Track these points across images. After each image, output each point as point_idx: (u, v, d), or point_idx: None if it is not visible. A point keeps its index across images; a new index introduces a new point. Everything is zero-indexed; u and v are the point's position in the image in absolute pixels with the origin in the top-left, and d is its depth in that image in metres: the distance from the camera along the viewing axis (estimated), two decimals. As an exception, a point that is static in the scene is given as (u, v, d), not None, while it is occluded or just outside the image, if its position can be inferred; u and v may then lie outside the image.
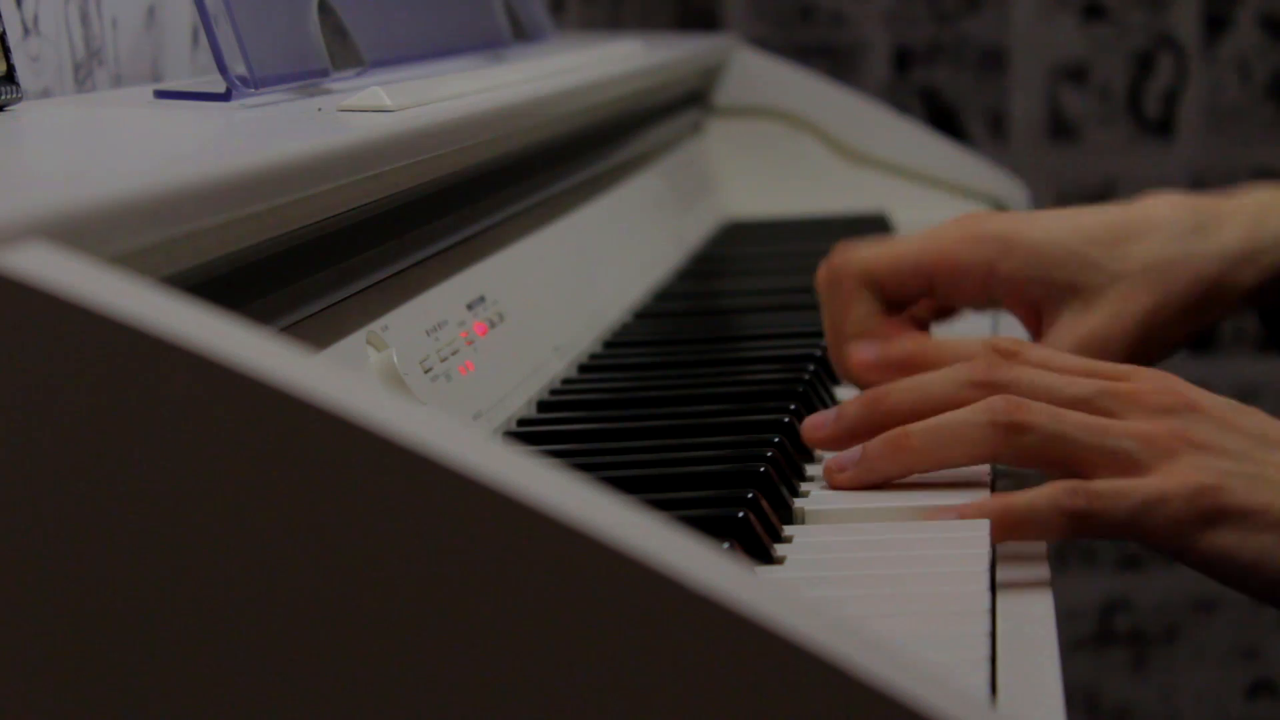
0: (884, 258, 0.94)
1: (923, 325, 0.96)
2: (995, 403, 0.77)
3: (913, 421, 0.80)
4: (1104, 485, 0.73)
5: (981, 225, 0.95)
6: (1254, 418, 0.77)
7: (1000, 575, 0.72)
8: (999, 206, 1.56)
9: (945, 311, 0.99)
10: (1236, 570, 0.74)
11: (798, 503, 0.81)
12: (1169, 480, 0.74)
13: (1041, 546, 0.76)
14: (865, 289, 0.94)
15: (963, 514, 0.75)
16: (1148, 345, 0.94)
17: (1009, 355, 0.81)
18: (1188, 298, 0.94)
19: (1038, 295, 0.94)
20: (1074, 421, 0.76)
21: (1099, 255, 0.94)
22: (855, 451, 0.81)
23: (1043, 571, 0.73)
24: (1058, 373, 0.79)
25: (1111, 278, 0.94)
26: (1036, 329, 0.95)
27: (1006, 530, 0.74)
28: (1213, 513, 0.73)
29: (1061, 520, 0.73)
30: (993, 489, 0.82)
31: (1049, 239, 0.94)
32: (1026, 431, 0.76)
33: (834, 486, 0.81)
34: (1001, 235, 0.94)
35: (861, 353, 0.91)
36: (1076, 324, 0.94)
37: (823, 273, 0.95)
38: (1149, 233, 0.95)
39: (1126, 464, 0.74)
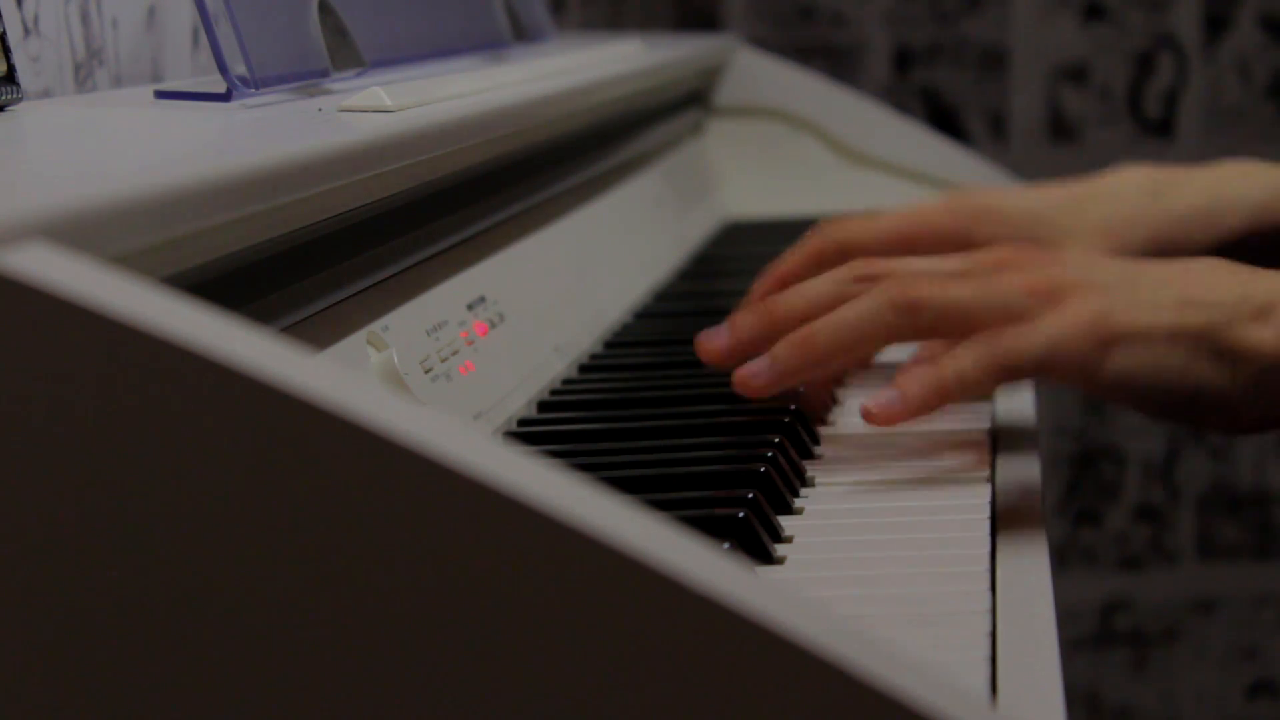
0: (869, 228, 1.02)
1: None
2: (888, 287, 0.82)
3: (801, 320, 0.85)
4: (1014, 331, 0.80)
5: (960, 199, 1.05)
6: (1114, 260, 0.85)
7: (1000, 575, 0.72)
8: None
9: None
10: (1139, 387, 0.80)
11: (798, 503, 0.81)
12: (1063, 319, 0.80)
13: (1042, 547, 0.76)
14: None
15: (903, 391, 0.81)
16: None
17: (874, 262, 0.87)
18: (1142, 255, 1.01)
19: None
20: (962, 288, 0.82)
21: (1061, 217, 1.03)
22: (763, 359, 0.85)
23: (1043, 571, 0.73)
24: (927, 262, 0.86)
25: (1070, 233, 1.02)
26: None
27: (945, 395, 0.80)
28: (1108, 338, 0.80)
29: (987, 374, 0.80)
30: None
31: (1018, 207, 1.03)
32: (922, 307, 0.82)
33: (747, 394, 0.86)
34: (977, 206, 1.03)
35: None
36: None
37: (814, 245, 1.02)
38: (1109, 198, 1.04)
39: (1018, 316, 0.81)
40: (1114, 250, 1.01)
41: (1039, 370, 0.80)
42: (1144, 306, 0.81)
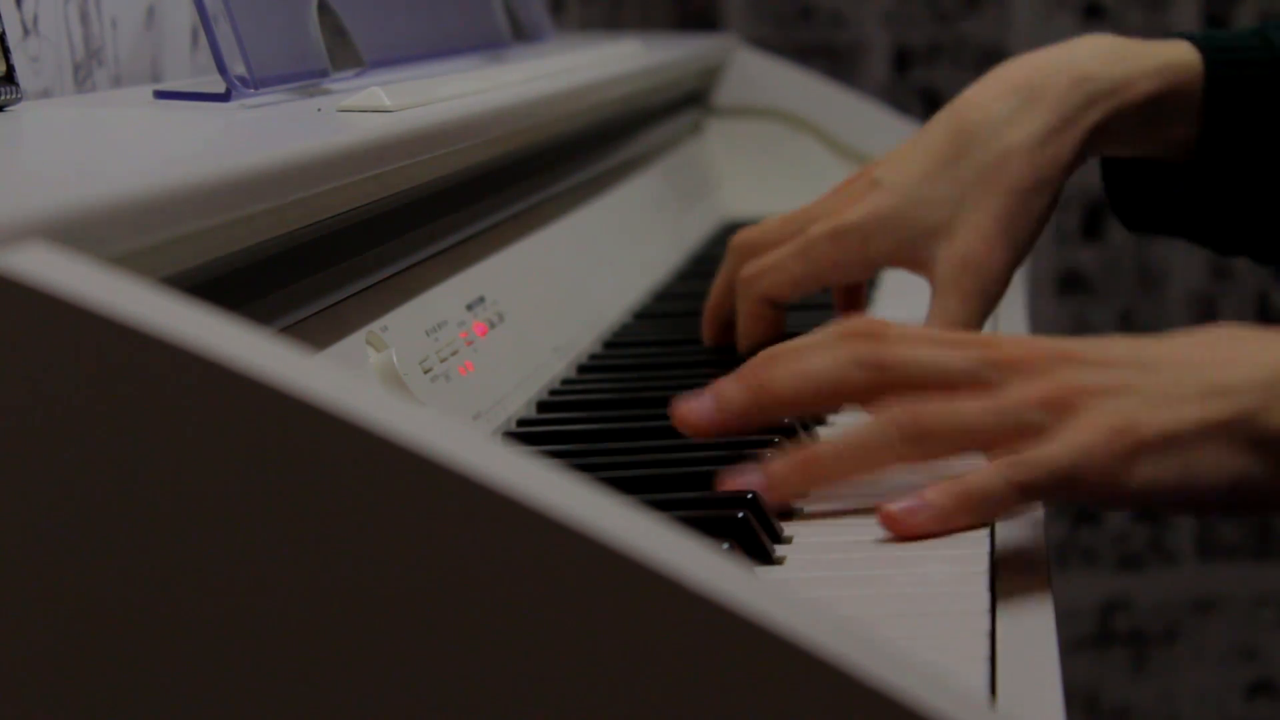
0: (777, 283, 1.03)
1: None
2: (896, 415, 0.77)
3: (799, 409, 0.81)
4: (1032, 454, 0.74)
5: (842, 218, 1.02)
6: (1122, 346, 0.78)
7: (1000, 575, 0.72)
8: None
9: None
10: (1166, 494, 0.75)
11: (797, 503, 0.81)
12: (1083, 433, 0.74)
13: (1041, 547, 0.76)
14: (768, 307, 1.04)
15: (928, 504, 0.76)
16: (1016, 235, 1.00)
17: (871, 335, 0.80)
18: (1026, 188, 1.00)
19: (913, 257, 1.01)
20: (971, 410, 0.76)
21: (938, 192, 1.00)
22: (759, 473, 0.79)
23: (1042, 571, 0.73)
24: (931, 345, 0.79)
25: (955, 206, 1.00)
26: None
27: (969, 511, 0.76)
28: (1131, 449, 0.74)
29: (1014, 494, 0.74)
30: None
31: (894, 201, 1.01)
32: (931, 435, 0.76)
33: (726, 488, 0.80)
34: (858, 225, 1.01)
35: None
36: (950, 256, 1.00)
37: (725, 280, 1.05)
38: (973, 140, 1.01)
39: (1036, 432, 0.75)
40: (998, 195, 0.99)
41: (1062, 490, 0.75)
42: (1165, 403, 0.75)
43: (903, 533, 0.76)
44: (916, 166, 1.02)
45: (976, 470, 0.76)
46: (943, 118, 1.03)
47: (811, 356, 0.80)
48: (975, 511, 0.75)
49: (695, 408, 0.81)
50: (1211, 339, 0.78)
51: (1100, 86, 1.04)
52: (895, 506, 0.76)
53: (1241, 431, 0.74)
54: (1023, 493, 0.74)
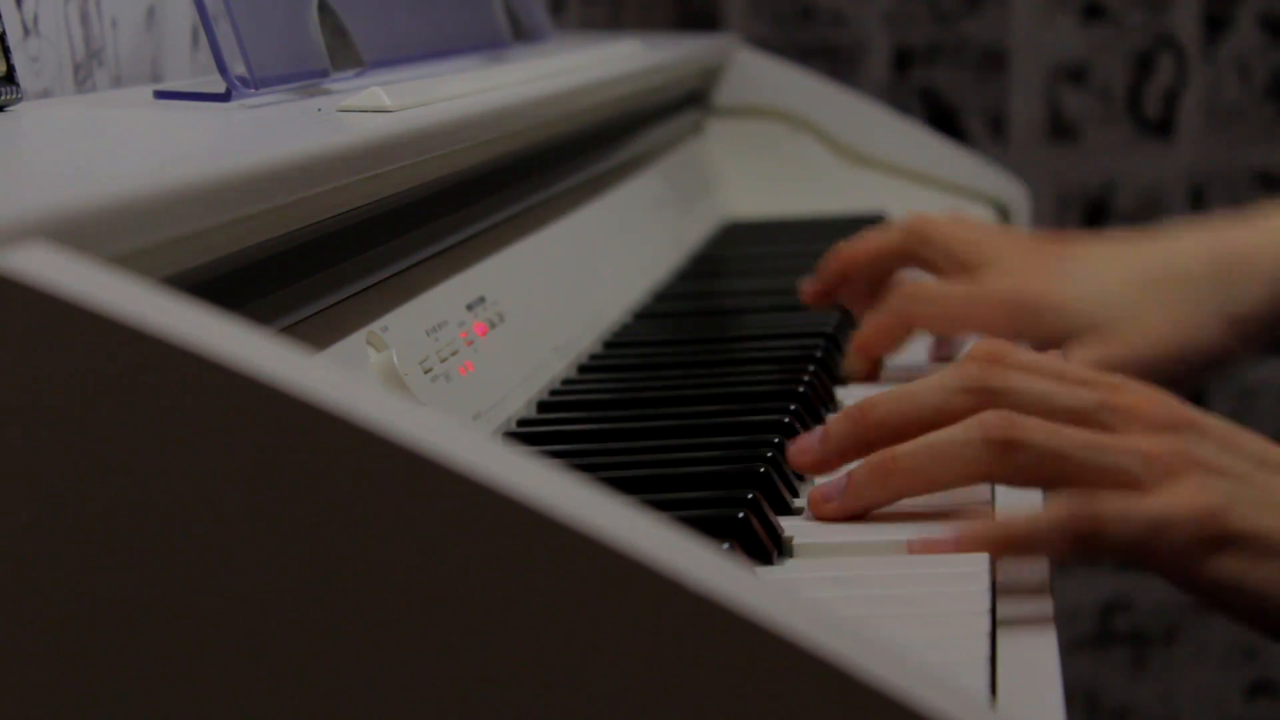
0: (932, 320, 1.04)
1: None
2: (988, 419, 0.72)
3: (903, 435, 0.75)
4: (1109, 508, 0.70)
5: (1021, 292, 1.02)
6: (1253, 440, 0.74)
7: (1000, 575, 0.72)
8: (999, 207, 1.56)
9: None
10: (1242, 598, 0.71)
11: (798, 503, 0.81)
12: (1175, 503, 0.70)
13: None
14: (905, 331, 1.04)
15: (960, 544, 0.72)
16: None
17: (996, 360, 0.76)
18: (1200, 349, 1.00)
19: (1069, 341, 1.02)
20: (1071, 438, 0.72)
21: (1124, 313, 1.00)
22: (841, 480, 0.77)
23: (1043, 572, 0.73)
24: (1052, 379, 0.75)
25: (1131, 318, 1.00)
26: None
27: (1008, 547, 0.71)
28: (1219, 538, 0.70)
29: (1065, 544, 0.70)
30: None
31: (1074, 299, 1.01)
32: (1021, 449, 0.72)
33: (821, 518, 0.77)
34: (1033, 306, 1.02)
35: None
36: (1093, 351, 1.00)
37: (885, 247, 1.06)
38: (1179, 283, 1.00)
39: (1127, 482, 0.71)
40: (1171, 345, 0.98)
41: (1131, 552, 0.70)
42: (1266, 509, 0.71)
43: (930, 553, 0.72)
44: (1117, 273, 1.03)
45: (1029, 511, 0.72)
46: (1151, 243, 1.04)
47: (923, 386, 0.77)
48: (1013, 551, 0.71)
49: (802, 444, 0.79)
50: None
51: None
52: (919, 541, 0.73)
53: None
54: (1082, 541, 0.69)
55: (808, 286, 1.11)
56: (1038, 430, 0.72)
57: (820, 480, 0.80)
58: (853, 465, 0.78)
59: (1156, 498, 0.70)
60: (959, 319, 1.04)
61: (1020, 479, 0.73)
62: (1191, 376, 1.01)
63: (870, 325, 1.04)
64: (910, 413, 0.76)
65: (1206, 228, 1.04)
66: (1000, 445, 0.72)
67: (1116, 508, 0.70)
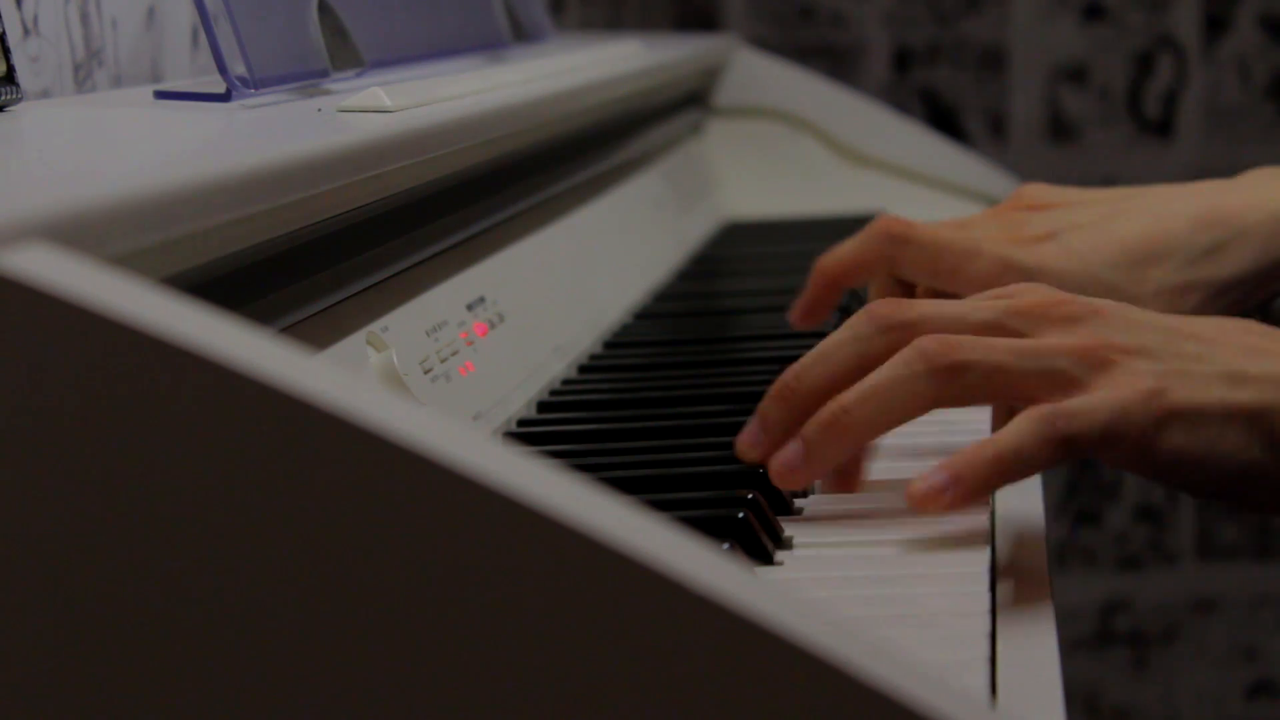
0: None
1: None
2: (926, 346, 0.74)
3: (836, 393, 0.75)
4: (1074, 405, 0.72)
5: (1015, 257, 0.99)
6: (1145, 313, 0.77)
7: (1000, 576, 0.72)
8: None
9: None
10: (1189, 468, 0.73)
11: (798, 503, 0.81)
12: (1120, 391, 0.73)
13: (1041, 547, 0.76)
14: (900, 287, 0.99)
15: (959, 479, 0.72)
16: None
17: (891, 306, 0.77)
18: (1190, 313, 0.98)
19: None
20: (1008, 349, 0.74)
21: (1117, 279, 0.98)
22: (797, 446, 0.76)
23: (1042, 572, 0.73)
24: (954, 302, 0.77)
25: (1128, 299, 0.97)
26: None
27: (1005, 474, 0.72)
28: (1164, 415, 0.73)
29: (1049, 450, 0.72)
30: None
31: (1070, 269, 0.98)
32: (966, 369, 0.73)
33: (788, 489, 0.78)
34: (1027, 270, 0.98)
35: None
36: None
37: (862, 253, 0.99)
38: (1165, 256, 0.99)
39: (1067, 383, 0.73)
40: (1164, 311, 0.98)
41: (1098, 446, 0.72)
42: (1193, 378, 0.74)
43: (935, 511, 0.72)
44: (1102, 252, 1.00)
45: (1003, 431, 0.73)
46: (1138, 213, 1.02)
47: (835, 340, 0.77)
48: (1009, 472, 0.72)
49: (744, 439, 0.79)
50: (1232, 326, 0.77)
51: None
52: (921, 485, 0.72)
53: (1260, 423, 0.74)
54: (1063, 447, 0.72)
55: (794, 315, 1.06)
56: (976, 348, 0.74)
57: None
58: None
59: (1106, 391, 0.73)
60: (946, 271, 1.00)
61: (967, 398, 0.75)
62: None
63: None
64: (837, 370, 0.76)
65: (1193, 190, 1.04)
66: (944, 370, 0.73)
67: (1080, 405, 0.72)
